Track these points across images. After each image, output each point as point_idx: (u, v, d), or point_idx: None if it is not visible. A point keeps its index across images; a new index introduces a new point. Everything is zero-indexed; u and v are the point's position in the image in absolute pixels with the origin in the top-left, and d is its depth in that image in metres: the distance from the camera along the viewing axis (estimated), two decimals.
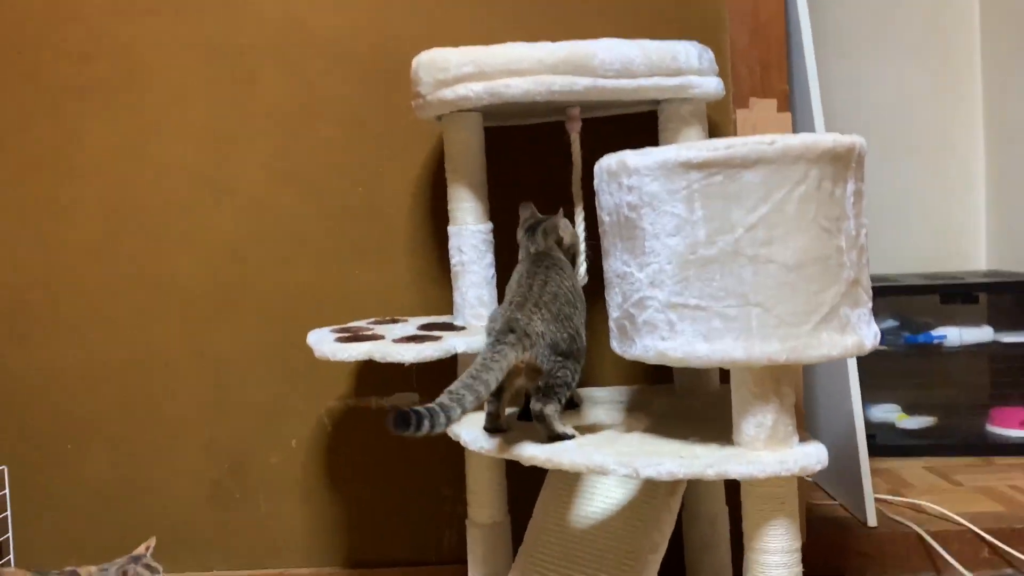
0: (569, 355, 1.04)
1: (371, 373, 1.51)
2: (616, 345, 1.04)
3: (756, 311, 0.91)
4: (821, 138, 0.89)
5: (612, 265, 1.02)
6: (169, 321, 1.52)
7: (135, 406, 1.53)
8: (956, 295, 1.93)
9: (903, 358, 1.98)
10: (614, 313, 1.03)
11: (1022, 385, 1.96)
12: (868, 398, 1.56)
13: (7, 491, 1.52)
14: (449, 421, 0.94)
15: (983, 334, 1.96)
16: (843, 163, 0.92)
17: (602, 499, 1.18)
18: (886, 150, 2.11)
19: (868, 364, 1.57)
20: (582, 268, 1.30)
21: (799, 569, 0.97)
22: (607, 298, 1.05)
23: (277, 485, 1.53)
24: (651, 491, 1.13)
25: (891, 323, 2.00)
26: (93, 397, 1.53)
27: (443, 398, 0.96)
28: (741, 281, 0.91)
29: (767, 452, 0.94)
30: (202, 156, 1.51)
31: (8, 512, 1.52)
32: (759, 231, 0.90)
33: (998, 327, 1.97)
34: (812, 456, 0.94)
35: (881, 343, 2.02)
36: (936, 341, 1.95)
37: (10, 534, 1.53)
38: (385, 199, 1.49)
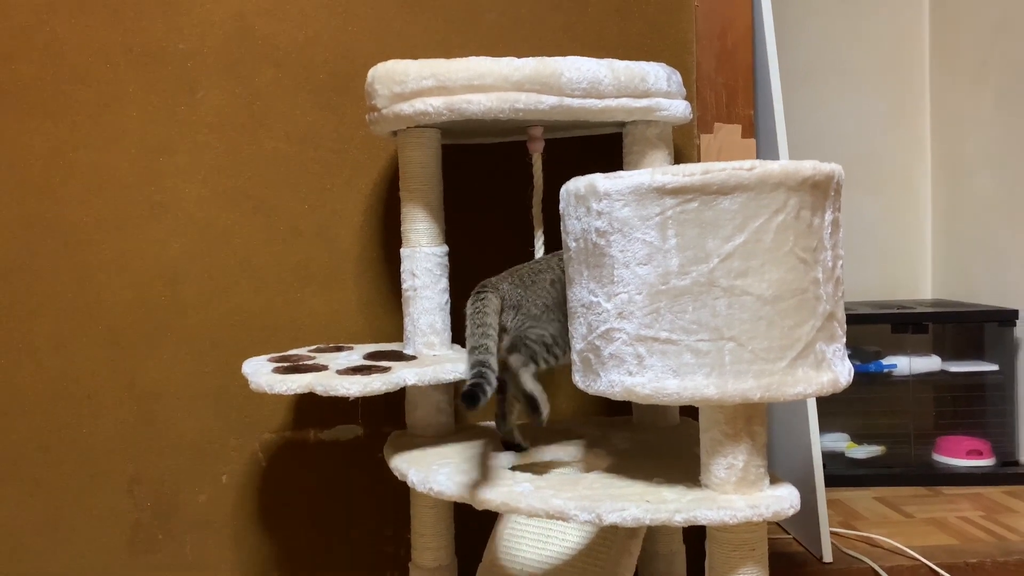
0: (539, 319, 1.04)
1: (311, 404, 1.42)
2: (579, 379, 0.98)
3: (730, 346, 0.86)
4: (801, 165, 0.86)
5: (577, 294, 0.96)
6: (94, 348, 1.40)
7: (51, 441, 1.40)
8: (907, 325, 1.94)
9: (853, 386, 1.96)
10: (578, 345, 0.97)
11: (967, 415, 1.98)
12: (819, 426, 1.55)
13: None
14: (493, 373, 0.97)
15: (931, 363, 1.97)
16: (822, 192, 0.88)
17: (558, 542, 1.12)
18: None
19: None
20: None
21: None
22: (570, 329, 0.99)
23: (205, 526, 1.41)
24: (610, 534, 1.07)
25: None
26: (6, 431, 1.39)
27: (475, 357, 0.98)
28: (715, 314, 0.86)
29: (737, 496, 0.89)
30: (135, 168, 1.40)
31: None
32: (735, 261, 0.86)
33: (944, 356, 1.99)
34: (784, 500, 0.89)
35: None
36: (886, 370, 1.96)
37: None
38: (334, 218, 1.41)
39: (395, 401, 1.28)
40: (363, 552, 1.42)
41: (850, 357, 2.11)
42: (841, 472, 1.94)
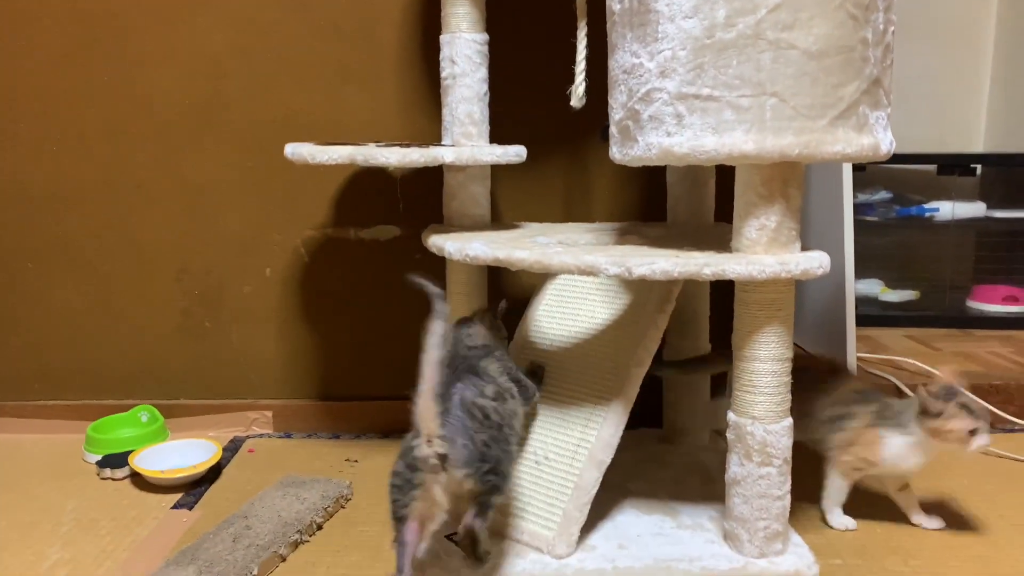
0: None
1: (351, 203, 1.45)
2: (615, 151, 0.98)
3: (771, 101, 0.85)
4: None
5: (619, 59, 0.95)
6: (142, 140, 1.43)
7: (103, 229, 1.46)
8: (953, 167, 1.89)
9: (892, 230, 1.95)
10: (617, 115, 0.97)
11: (1007, 260, 1.95)
12: (854, 272, 1.54)
13: None
14: None
15: (975, 209, 1.93)
16: None
17: (587, 319, 1.15)
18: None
19: (857, 237, 1.54)
20: (580, 88, 1.23)
21: (789, 379, 0.95)
22: (610, 101, 0.99)
23: (250, 316, 1.48)
24: (638, 309, 1.10)
25: (884, 195, 1.97)
26: (58, 217, 1.46)
27: None
28: (759, 68, 0.85)
29: (768, 256, 0.91)
30: None
31: None
32: (782, 13, 0.84)
33: (991, 204, 1.95)
34: (814, 260, 0.90)
35: (871, 215, 2.00)
36: (928, 214, 1.93)
37: None
38: (374, 14, 1.39)
39: (433, 203, 1.29)
40: (400, 344, 1.48)
41: (891, 201, 2.08)
42: (873, 313, 1.95)
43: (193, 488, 1.25)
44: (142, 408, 1.45)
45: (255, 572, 0.97)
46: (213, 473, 1.29)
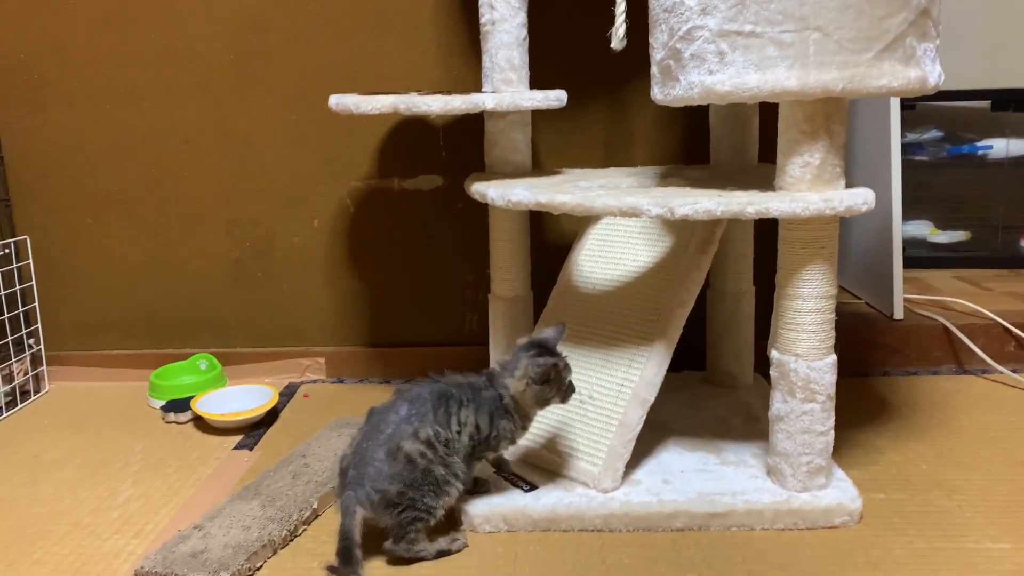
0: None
1: (394, 154, 1.47)
2: (657, 91, 0.98)
3: (815, 36, 0.84)
4: None
5: None
6: (187, 95, 1.47)
7: (156, 183, 1.50)
8: (1008, 102, 1.83)
9: (943, 170, 1.91)
10: (658, 55, 0.96)
11: None
12: (902, 214, 1.51)
13: (31, 261, 1.52)
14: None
15: None
16: None
17: (629, 263, 1.16)
18: None
19: (906, 177, 1.51)
20: (621, 30, 1.22)
21: (832, 316, 0.95)
22: (651, 41, 0.98)
23: (300, 266, 1.52)
24: (680, 251, 1.11)
25: (935, 134, 1.92)
26: (113, 172, 1.50)
27: None
28: (802, 2, 0.84)
29: (812, 193, 0.90)
30: None
31: (33, 282, 1.53)
32: None
33: None
34: (859, 196, 0.90)
35: (921, 154, 1.95)
36: (981, 152, 1.88)
37: (36, 304, 1.54)
38: None
39: (474, 151, 1.30)
40: (445, 293, 1.51)
41: (943, 140, 2.03)
42: (922, 255, 1.92)
43: (252, 431, 1.31)
44: (201, 356, 1.51)
45: (314, 505, 1.02)
46: (271, 416, 1.35)
